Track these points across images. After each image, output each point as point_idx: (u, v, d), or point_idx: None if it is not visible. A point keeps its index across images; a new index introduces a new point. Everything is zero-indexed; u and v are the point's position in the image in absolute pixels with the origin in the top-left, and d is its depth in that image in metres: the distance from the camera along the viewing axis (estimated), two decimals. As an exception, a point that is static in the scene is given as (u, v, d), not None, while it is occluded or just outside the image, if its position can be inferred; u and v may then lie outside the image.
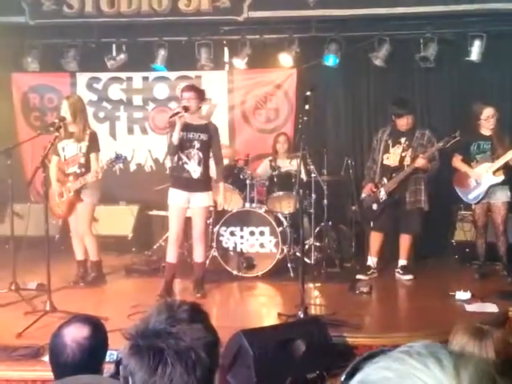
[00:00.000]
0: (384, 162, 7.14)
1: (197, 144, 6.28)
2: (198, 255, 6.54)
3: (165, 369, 1.53)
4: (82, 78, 9.21)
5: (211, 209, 7.86)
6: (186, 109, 6.13)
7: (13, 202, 6.67)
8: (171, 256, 6.44)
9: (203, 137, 6.30)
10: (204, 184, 6.38)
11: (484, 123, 6.89)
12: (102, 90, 9.23)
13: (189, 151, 6.28)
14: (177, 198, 6.36)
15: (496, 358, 2.58)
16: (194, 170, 6.30)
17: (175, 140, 6.16)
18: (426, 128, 7.25)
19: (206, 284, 6.92)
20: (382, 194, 7.06)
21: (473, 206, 7.08)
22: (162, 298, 5.96)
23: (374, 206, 7.13)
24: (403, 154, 7.05)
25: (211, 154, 6.46)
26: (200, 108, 6.48)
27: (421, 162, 6.83)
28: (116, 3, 8.50)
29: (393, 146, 7.12)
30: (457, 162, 7.06)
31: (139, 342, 1.57)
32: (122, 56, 8.69)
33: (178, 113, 6.16)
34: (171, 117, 6.25)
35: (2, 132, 8.70)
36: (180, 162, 6.32)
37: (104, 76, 9.19)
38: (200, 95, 6.39)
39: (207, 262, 7.39)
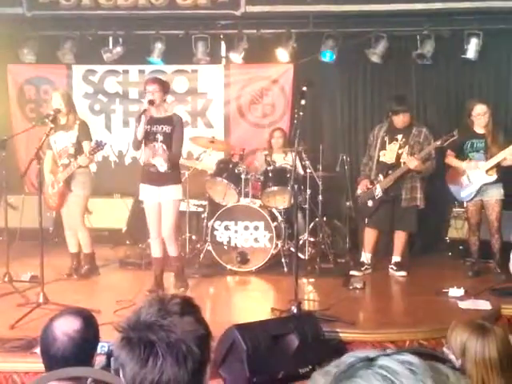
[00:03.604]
0: (380, 159, 7.14)
1: (160, 137, 6.13)
2: (171, 250, 6.40)
3: (156, 361, 1.54)
4: (78, 71, 9.17)
5: (204, 203, 7.90)
6: (151, 103, 6.00)
7: (7, 194, 6.67)
8: (156, 251, 6.41)
9: (166, 129, 6.13)
10: (172, 177, 6.23)
11: (475, 120, 6.88)
12: (97, 83, 9.20)
13: (153, 145, 6.13)
14: (147, 194, 6.29)
15: (498, 355, 2.59)
16: (161, 163, 6.14)
17: (139, 135, 6.04)
18: (423, 126, 7.25)
19: (200, 278, 6.95)
20: (378, 191, 7.06)
21: (465, 204, 7.10)
22: (151, 293, 5.96)
23: (370, 203, 7.14)
24: (400, 152, 7.04)
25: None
26: (165, 100, 6.31)
27: (413, 163, 6.83)
28: (113, -4, 8.48)
29: (389, 143, 7.11)
30: (450, 159, 7.07)
31: (130, 334, 1.57)
32: (119, 49, 8.66)
33: (145, 110, 6.03)
34: (141, 114, 6.06)
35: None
36: (145, 157, 6.22)
37: (100, 68, 9.16)
38: (164, 87, 6.22)
39: (201, 256, 7.42)
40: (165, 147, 6.14)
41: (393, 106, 7.13)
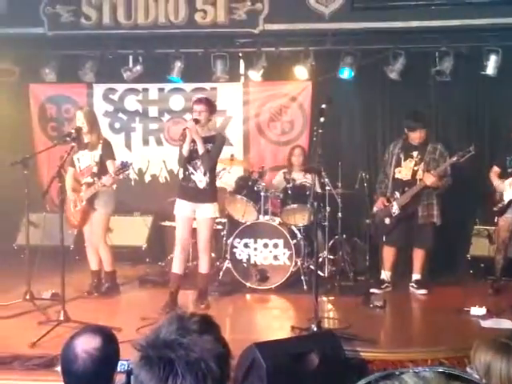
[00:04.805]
0: (396, 176, 7.13)
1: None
2: (203, 266, 6.60)
3: (175, 380, 1.52)
4: (99, 89, 9.28)
5: (224, 221, 7.91)
6: (196, 121, 6.23)
7: (29, 212, 6.72)
8: (177, 267, 6.48)
9: (209, 147, 6.33)
10: (210, 195, 6.44)
11: None
12: (118, 101, 9.29)
13: (195, 162, 6.35)
14: (183, 209, 6.43)
15: None
16: (200, 179, 6.37)
17: (185, 152, 6.29)
18: (438, 142, 7.23)
19: (220, 296, 6.95)
20: (395, 209, 7.03)
21: (496, 219, 7.03)
22: (165, 310, 5.99)
23: (387, 220, 7.11)
24: (415, 168, 7.02)
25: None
26: (210, 120, 6.54)
27: (430, 180, 6.81)
28: (133, 15, 8.57)
29: (405, 160, 7.10)
30: (492, 174, 7.03)
31: (149, 352, 1.56)
32: (139, 67, 8.74)
33: (187, 127, 6.28)
34: (184, 130, 6.33)
35: (19, 142, 8.80)
36: (187, 173, 6.42)
37: (120, 87, 9.25)
38: (211, 108, 6.44)
39: (221, 274, 7.42)
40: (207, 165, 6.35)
41: (410, 122, 7.12)
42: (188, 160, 6.35)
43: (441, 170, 6.84)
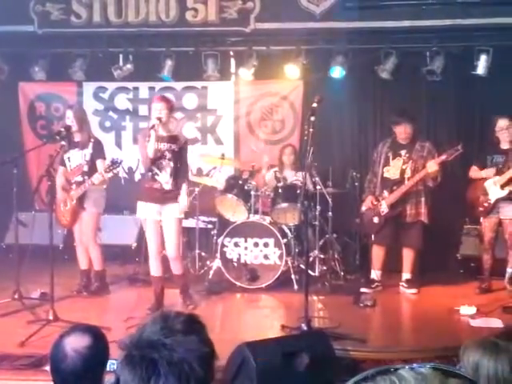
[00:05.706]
0: (384, 175, 7.14)
1: (168, 154, 6.17)
2: (175, 268, 6.45)
3: (157, 380, 1.51)
4: (89, 88, 9.24)
5: (214, 220, 7.89)
6: (159, 120, 6.04)
7: (17, 211, 6.68)
8: (155, 269, 6.38)
9: (174, 147, 6.18)
10: (174, 195, 6.23)
11: (500, 135, 6.86)
12: (108, 100, 9.26)
13: (160, 162, 6.15)
14: (148, 212, 6.25)
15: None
16: (166, 181, 6.18)
17: (150, 152, 6.07)
18: (426, 140, 7.25)
19: (210, 295, 6.93)
20: (384, 207, 7.04)
21: (481, 219, 7.05)
22: (152, 312, 5.94)
23: (375, 219, 7.11)
24: (404, 167, 7.04)
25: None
26: (170, 118, 6.35)
27: (433, 168, 6.77)
28: (124, 13, 8.55)
29: (393, 159, 7.11)
30: (473, 172, 7.03)
31: (132, 351, 1.55)
32: (129, 66, 8.71)
33: (154, 125, 6.05)
34: (150, 129, 6.09)
35: (8, 140, 8.74)
36: (150, 174, 6.21)
37: (110, 86, 9.21)
38: (171, 106, 6.28)
39: (211, 273, 7.40)
40: (172, 165, 6.18)
41: (394, 117, 7.18)
42: (153, 160, 6.15)
43: (440, 160, 6.79)
